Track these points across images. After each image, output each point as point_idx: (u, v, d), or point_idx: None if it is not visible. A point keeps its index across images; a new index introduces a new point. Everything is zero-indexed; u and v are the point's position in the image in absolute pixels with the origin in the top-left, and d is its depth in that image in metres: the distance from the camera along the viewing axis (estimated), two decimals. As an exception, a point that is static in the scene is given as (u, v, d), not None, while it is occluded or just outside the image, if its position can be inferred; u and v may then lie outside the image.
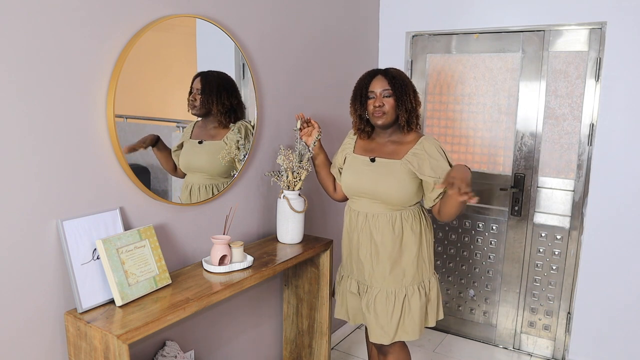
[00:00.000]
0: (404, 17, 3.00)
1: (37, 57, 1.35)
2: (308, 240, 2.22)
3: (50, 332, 1.47)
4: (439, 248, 3.14)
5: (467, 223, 3.03)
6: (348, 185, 1.97)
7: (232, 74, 1.98)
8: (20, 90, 1.33)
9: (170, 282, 1.67)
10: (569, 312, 2.78)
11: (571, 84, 2.63)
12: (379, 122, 1.87)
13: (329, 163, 2.15)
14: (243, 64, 2.03)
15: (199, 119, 1.88)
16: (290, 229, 2.14)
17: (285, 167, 2.09)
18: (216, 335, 2.11)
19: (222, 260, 1.81)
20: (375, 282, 1.94)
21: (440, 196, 1.84)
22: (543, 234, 2.81)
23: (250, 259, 1.88)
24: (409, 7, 2.97)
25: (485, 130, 2.89)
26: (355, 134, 2.04)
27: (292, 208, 2.10)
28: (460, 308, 3.12)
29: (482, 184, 2.93)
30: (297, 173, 2.11)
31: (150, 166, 1.72)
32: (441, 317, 2.04)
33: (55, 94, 1.41)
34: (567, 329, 2.80)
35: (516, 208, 2.84)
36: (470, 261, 3.04)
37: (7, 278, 1.36)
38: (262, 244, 2.16)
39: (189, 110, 1.83)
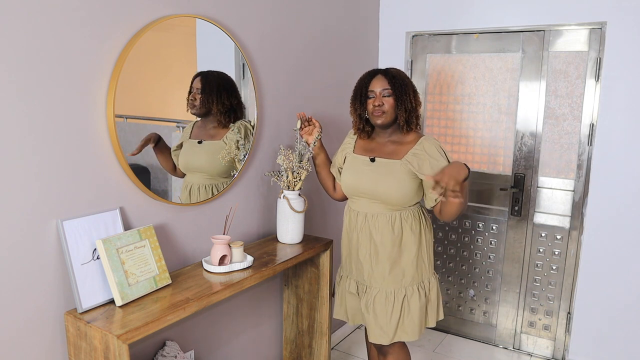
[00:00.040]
0: (404, 17, 3.00)
1: (37, 57, 1.35)
2: (308, 240, 2.22)
3: (50, 332, 1.47)
4: (439, 248, 3.14)
5: (467, 223, 3.03)
6: (348, 185, 1.97)
7: (232, 74, 1.98)
8: (20, 90, 1.33)
9: (170, 282, 1.67)
10: (569, 312, 2.78)
11: (571, 84, 2.63)
12: (378, 121, 1.87)
13: (330, 162, 2.15)
14: (243, 64, 2.03)
15: (198, 119, 1.88)
16: (290, 229, 2.14)
17: (285, 167, 2.09)
18: (216, 335, 2.11)
19: (222, 260, 1.81)
20: (375, 282, 1.94)
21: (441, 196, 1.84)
22: (543, 234, 2.81)
23: (250, 259, 1.88)
24: (409, 7, 2.97)
25: (485, 130, 2.89)
26: (355, 133, 2.04)
27: (292, 208, 2.10)
28: (460, 308, 3.12)
29: (482, 184, 2.93)
30: (297, 173, 2.11)
31: (150, 166, 1.72)
32: (441, 317, 2.04)
33: (55, 94, 1.41)
34: (567, 329, 2.80)
35: (516, 208, 2.84)
36: (470, 261, 3.04)
37: (7, 278, 1.36)
38: (262, 244, 2.16)
39: (188, 110, 1.82)
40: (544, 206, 2.78)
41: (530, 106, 2.74)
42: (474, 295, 3.06)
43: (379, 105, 1.85)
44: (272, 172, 2.17)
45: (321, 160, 2.11)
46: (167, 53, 1.74)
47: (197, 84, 1.82)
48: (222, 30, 1.89)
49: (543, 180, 2.77)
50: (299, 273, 2.34)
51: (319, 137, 2.08)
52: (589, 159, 2.61)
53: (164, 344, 1.84)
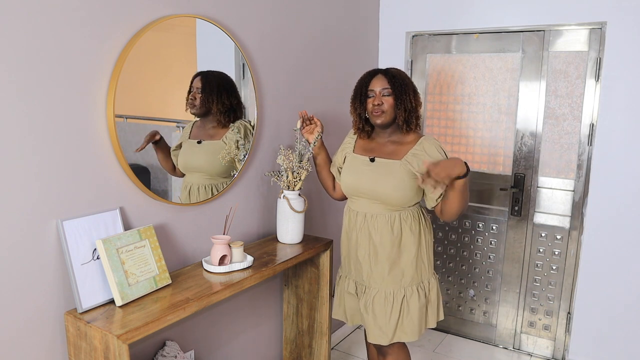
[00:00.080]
0: (404, 17, 3.00)
1: (37, 57, 1.35)
2: (308, 240, 2.22)
3: (50, 332, 1.47)
4: (439, 248, 3.14)
5: (467, 223, 3.03)
6: (347, 185, 1.97)
7: (232, 74, 1.98)
8: (20, 90, 1.33)
9: (170, 282, 1.67)
10: (569, 312, 2.78)
11: (571, 84, 2.63)
12: (378, 121, 1.87)
13: (330, 162, 2.15)
14: (243, 64, 2.03)
15: (197, 119, 1.88)
16: (290, 229, 2.14)
17: (285, 167, 2.09)
18: (216, 335, 2.11)
19: (222, 260, 1.81)
20: (374, 282, 1.93)
21: (442, 196, 1.84)
22: (543, 234, 2.81)
23: (250, 259, 1.88)
24: (409, 7, 2.97)
25: (485, 130, 2.89)
26: (355, 133, 2.03)
27: (292, 208, 2.10)
28: (460, 308, 3.12)
29: (482, 184, 2.93)
30: (297, 173, 2.11)
31: (150, 166, 1.72)
32: (441, 317, 2.04)
33: (55, 94, 1.41)
34: (567, 329, 2.80)
35: (516, 208, 2.84)
36: (470, 261, 3.04)
37: (7, 278, 1.36)
38: (262, 244, 2.16)
39: (186, 110, 1.82)
40: (544, 206, 2.78)
41: (530, 106, 2.74)
42: (474, 295, 3.06)
43: (378, 104, 1.85)
44: (272, 172, 2.17)
45: (322, 160, 2.11)
46: (167, 53, 1.74)
47: (197, 83, 1.82)
48: (222, 30, 1.89)
49: (543, 180, 2.77)
50: (299, 273, 2.34)
51: (319, 136, 2.07)
52: (589, 159, 2.61)
53: (164, 344, 1.84)
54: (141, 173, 1.67)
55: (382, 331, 1.91)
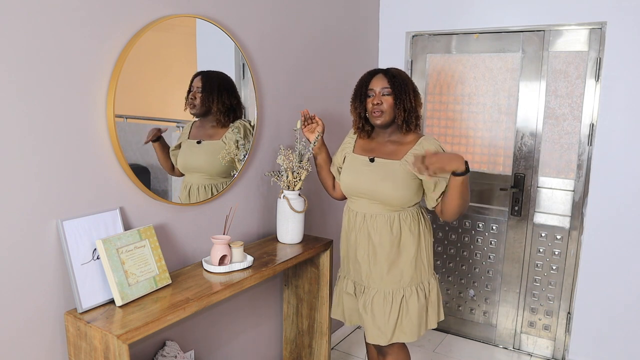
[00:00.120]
0: (404, 17, 3.00)
1: (37, 57, 1.35)
2: (308, 240, 2.22)
3: (50, 332, 1.47)
4: (439, 248, 3.14)
5: (467, 223, 3.03)
6: (347, 185, 1.96)
7: (232, 74, 1.98)
8: (20, 90, 1.33)
9: (170, 282, 1.67)
10: (569, 312, 2.78)
11: (571, 84, 2.63)
12: (377, 121, 1.87)
13: (331, 161, 2.15)
14: (243, 64, 2.03)
15: (197, 119, 1.88)
16: (290, 229, 2.14)
17: (285, 167, 2.09)
18: (216, 335, 2.11)
19: (222, 260, 1.81)
20: (373, 282, 1.93)
21: (442, 196, 1.84)
22: (543, 234, 2.81)
23: (250, 259, 1.88)
24: (409, 7, 2.97)
25: (485, 130, 2.89)
26: (355, 132, 2.03)
27: (292, 208, 2.10)
28: (460, 308, 3.12)
29: (482, 184, 2.93)
30: (297, 173, 2.11)
31: (150, 166, 1.72)
32: (442, 318, 2.03)
33: (55, 94, 1.41)
34: (567, 329, 2.80)
35: (516, 208, 2.84)
36: (470, 261, 3.04)
37: (7, 278, 1.36)
38: (262, 244, 2.16)
39: (185, 109, 1.82)
40: (544, 206, 2.78)
41: (530, 106, 2.74)
42: (474, 295, 3.06)
43: (377, 103, 1.85)
44: (272, 172, 2.17)
45: (322, 159, 2.11)
46: (167, 53, 1.74)
47: (198, 82, 1.82)
48: (222, 30, 1.89)
49: (543, 180, 2.77)
50: (299, 273, 2.34)
51: (319, 136, 2.07)
52: (589, 159, 2.61)
53: (164, 344, 1.84)
54: (141, 173, 1.67)
55: (381, 331, 1.91)
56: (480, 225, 2.98)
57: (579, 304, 2.71)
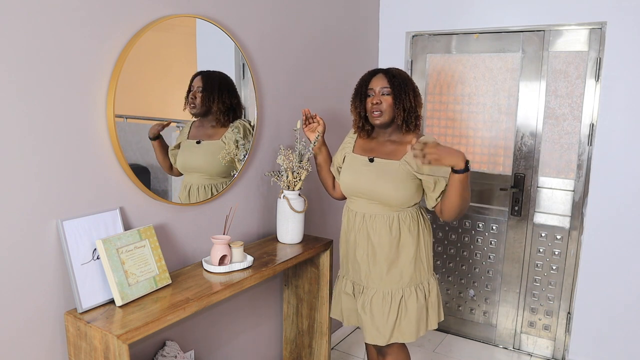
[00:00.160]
0: (404, 17, 3.00)
1: (37, 57, 1.35)
2: (308, 240, 2.22)
3: (50, 332, 1.47)
4: (439, 248, 3.14)
5: (467, 223, 3.03)
6: (346, 185, 1.96)
7: (232, 74, 1.98)
8: (20, 90, 1.33)
9: (170, 282, 1.67)
10: (569, 312, 2.78)
11: (571, 84, 2.63)
12: (376, 121, 1.87)
13: (331, 161, 2.15)
14: (243, 64, 2.03)
15: (196, 119, 1.88)
16: (290, 229, 2.14)
17: (285, 167, 2.09)
18: (216, 335, 2.11)
19: (222, 260, 1.81)
20: (372, 282, 1.93)
21: (442, 195, 1.84)
22: (543, 234, 2.81)
23: (250, 259, 1.88)
24: (409, 7, 2.97)
25: (485, 130, 2.89)
26: (355, 132, 2.03)
27: (292, 208, 2.10)
28: (460, 308, 3.12)
29: (482, 184, 2.93)
30: (297, 173, 2.11)
31: (150, 166, 1.72)
32: (442, 318, 2.03)
33: (55, 94, 1.41)
34: (567, 329, 2.80)
35: (516, 208, 2.84)
36: (470, 261, 3.04)
37: (7, 278, 1.36)
38: (262, 244, 2.16)
39: (185, 109, 1.81)
40: (544, 206, 2.78)
41: (530, 106, 2.74)
42: (474, 295, 3.06)
43: (376, 103, 1.85)
44: (272, 172, 2.17)
45: (322, 159, 2.11)
46: (167, 53, 1.74)
47: (198, 82, 1.82)
48: (222, 30, 1.89)
49: (543, 180, 2.77)
50: (299, 273, 2.34)
51: (319, 136, 2.07)
52: (589, 159, 2.61)
53: (164, 344, 1.84)
54: (141, 173, 1.67)
55: (380, 331, 1.91)
56: (480, 225, 2.98)
57: (579, 304, 2.71)
